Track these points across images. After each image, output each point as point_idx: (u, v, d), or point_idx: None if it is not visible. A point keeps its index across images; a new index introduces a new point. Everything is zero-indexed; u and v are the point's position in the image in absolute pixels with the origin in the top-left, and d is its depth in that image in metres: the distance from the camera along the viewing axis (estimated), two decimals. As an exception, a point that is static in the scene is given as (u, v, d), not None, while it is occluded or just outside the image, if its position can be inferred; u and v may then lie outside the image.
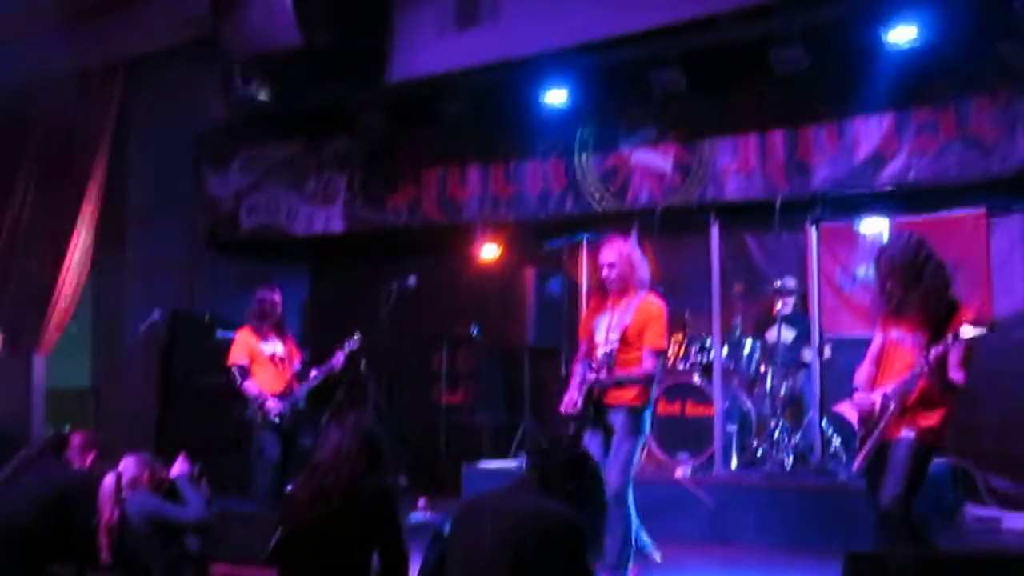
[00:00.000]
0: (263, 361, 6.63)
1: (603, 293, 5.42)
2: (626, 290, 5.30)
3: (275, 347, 6.68)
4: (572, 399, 5.26)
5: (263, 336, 6.67)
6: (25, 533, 4.33)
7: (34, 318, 8.05)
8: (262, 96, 7.31)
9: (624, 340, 5.21)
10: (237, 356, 6.68)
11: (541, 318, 8.28)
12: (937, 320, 4.37)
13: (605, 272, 5.35)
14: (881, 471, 4.40)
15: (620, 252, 5.34)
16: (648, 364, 5.23)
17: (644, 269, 5.37)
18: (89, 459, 4.89)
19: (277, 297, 6.75)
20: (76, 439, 4.93)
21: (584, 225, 8.02)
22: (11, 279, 8.31)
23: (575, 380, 5.34)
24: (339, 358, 6.62)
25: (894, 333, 4.52)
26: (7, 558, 4.30)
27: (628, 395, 5.22)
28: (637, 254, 5.38)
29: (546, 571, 2.80)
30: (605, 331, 5.29)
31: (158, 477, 4.45)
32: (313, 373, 6.66)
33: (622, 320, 5.24)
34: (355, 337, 6.68)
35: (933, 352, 4.25)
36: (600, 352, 5.25)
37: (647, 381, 5.27)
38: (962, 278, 7.11)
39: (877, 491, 4.41)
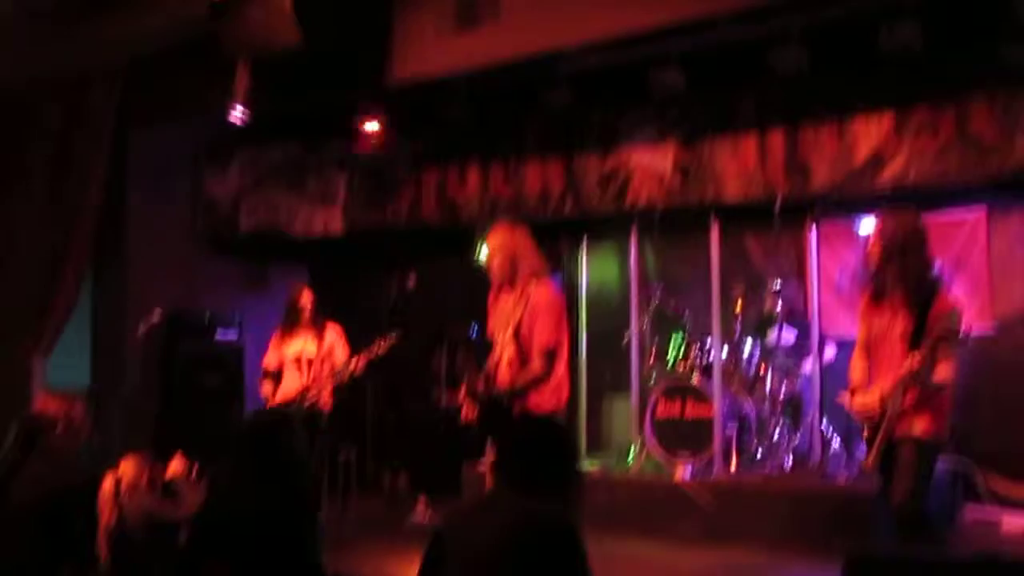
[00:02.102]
0: (289, 363, 6.61)
1: (497, 289, 5.05)
2: (514, 281, 4.90)
3: (303, 347, 6.60)
4: (471, 408, 4.90)
5: (292, 335, 6.61)
6: (24, 548, 4.31)
7: (34, 318, 8.03)
8: (262, 97, 7.30)
9: (518, 339, 4.81)
10: (267, 360, 6.72)
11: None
12: (919, 307, 4.37)
13: (487, 262, 4.99)
14: (891, 471, 4.42)
15: (502, 240, 4.97)
16: (535, 366, 4.75)
17: (533, 257, 4.96)
18: (77, 413, 4.61)
19: (305, 296, 6.68)
20: (50, 407, 4.55)
21: (584, 226, 8.03)
22: (11, 278, 8.30)
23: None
24: (360, 361, 6.44)
25: (878, 323, 4.53)
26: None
27: (542, 403, 4.77)
28: (525, 241, 4.99)
29: (542, 574, 2.79)
30: (501, 331, 4.91)
31: (157, 478, 4.45)
32: (353, 364, 6.48)
33: (513, 317, 4.82)
34: (383, 341, 6.38)
35: (912, 362, 4.25)
36: (496, 356, 4.85)
37: (537, 384, 4.76)
38: (962, 278, 7.13)
39: (888, 491, 4.42)
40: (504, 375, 4.84)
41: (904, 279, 4.42)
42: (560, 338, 4.87)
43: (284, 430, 3.53)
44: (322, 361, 6.62)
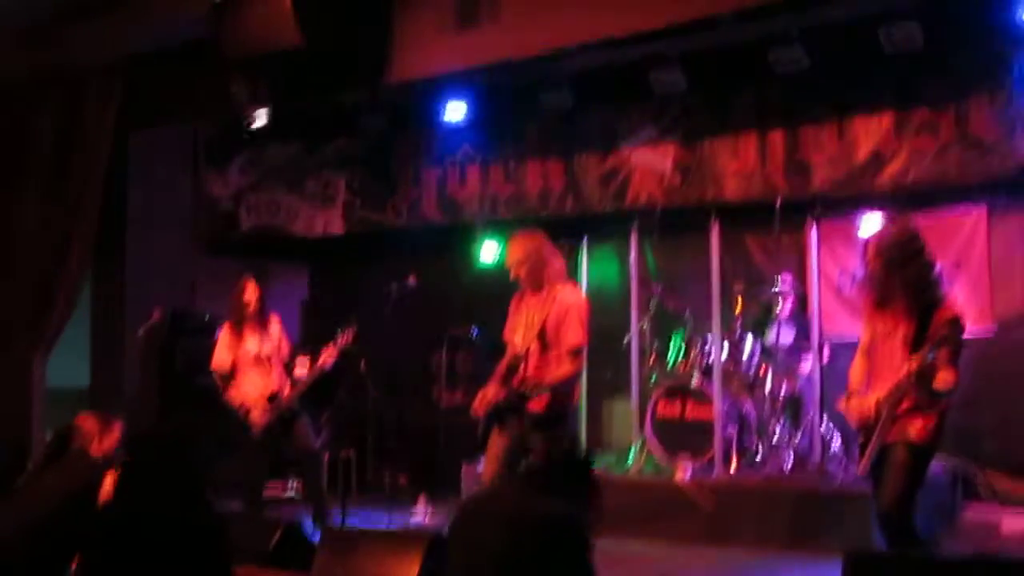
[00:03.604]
0: (247, 363, 6.36)
1: (521, 293, 5.14)
2: (540, 286, 5.01)
3: (259, 343, 6.38)
4: (484, 399, 4.94)
5: (244, 332, 6.37)
6: (44, 547, 4.33)
7: (34, 318, 8.04)
8: (261, 96, 7.31)
9: (542, 338, 4.90)
10: (219, 360, 6.38)
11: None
12: (921, 313, 4.37)
13: (514, 273, 5.07)
14: (882, 474, 4.42)
15: (525, 248, 5.07)
16: (564, 368, 4.88)
17: (557, 261, 5.09)
18: (116, 433, 4.72)
19: (250, 290, 6.41)
20: (88, 424, 4.68)
21: (584, 226, 8.03)
22: (11, 278, 8.31)
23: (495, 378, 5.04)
24: (329, 356, 6.22)
25: (881, 327, 4.53)
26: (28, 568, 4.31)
27: (542, 401, 4.90)
28: (546, 247, 5.09)
29: (549, 571, 2.79)
30: (523, 331, 4.99)
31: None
32: (298, 371, 6.35)
33: (539, 316, 4.91)
34: (346, 332, 6.24)
35: (912, 365, 4.25)
36: (517, 357, 4.93)
37: (562, 385, 4.90)
38: (962, 278, 7.12)
39: (877, 495, 4.42)
40: (527, 373, 4.94)
41: (907, 288, 4.42)
42: (585, 340, 5.01)
43: (183, 447, 3.38)
44: (277, 355, 6.40)
